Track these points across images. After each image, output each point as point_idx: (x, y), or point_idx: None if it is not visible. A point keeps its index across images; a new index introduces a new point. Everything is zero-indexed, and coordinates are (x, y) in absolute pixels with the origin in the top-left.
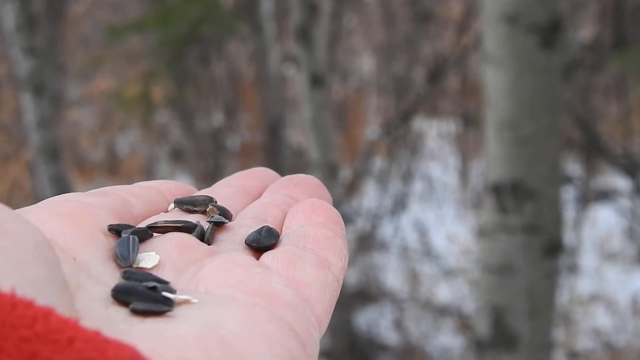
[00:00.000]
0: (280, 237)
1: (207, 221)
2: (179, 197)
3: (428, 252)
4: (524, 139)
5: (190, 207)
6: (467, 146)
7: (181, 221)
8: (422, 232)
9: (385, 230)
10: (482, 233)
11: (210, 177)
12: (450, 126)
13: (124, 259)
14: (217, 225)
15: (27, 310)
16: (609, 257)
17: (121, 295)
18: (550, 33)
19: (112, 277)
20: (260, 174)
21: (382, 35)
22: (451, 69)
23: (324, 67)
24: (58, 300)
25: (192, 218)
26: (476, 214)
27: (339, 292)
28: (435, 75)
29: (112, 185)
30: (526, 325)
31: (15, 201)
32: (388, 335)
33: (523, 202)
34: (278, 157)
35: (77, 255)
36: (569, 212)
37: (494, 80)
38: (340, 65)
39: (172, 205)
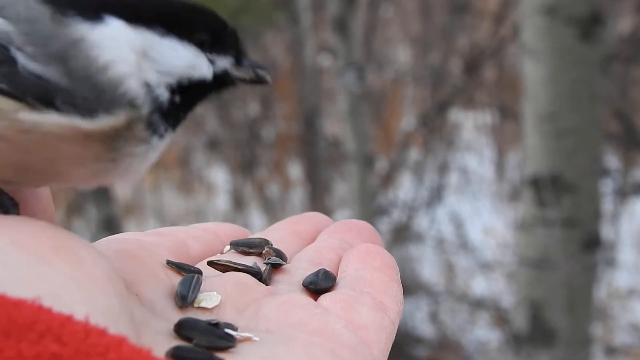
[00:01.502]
0: (336, 280)
1: (264, 263)
2: (235, 239)
3: (464, 244)
4: (563, 132)
5: (246, 249)
6: (503, 138)
7: (240, 263)
8: (458, 224)
9: (421, 222)
10: (520, 226)
11: (246, 167)
12: (486, 118)
13: (184, 299)
14: (274, 267)
15: (101, 339)
16: None
17: (184, 330)
18: (589, 25)
19: (174, 313)
20: (313, 218)
21: (418, 26)
22: (488, 61)
23: (361, 58)
24: (127, 331)
25: (249, 260)
26: (513, 206)
27: (394, 335)
28: (472, 66)
29: (147, 180)
30: (564, 319)
31: (52, 190)
32: (423, 328)
33: (562, 195)
34: (313, 148)
35: (138, 291)
36: (607, 206)
37: (533, 72)
38: (377, 56)
39: (228, 247)
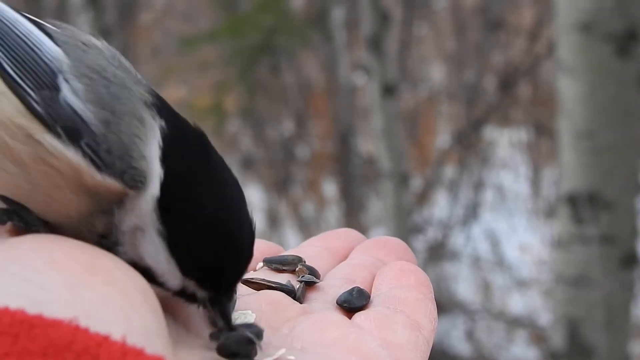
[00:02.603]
0: (370, 299)
1: (297, 280)
2: (268, 256)
3: (500, 262)
4: (600, 149)
5: (279, 266)
6: (538, 155)
7: (274, 281)
8: (494, 241)
9: (457, 239)
10: (556, 244)
11: (280, 185)
12: (521, 135)
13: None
14: (308, 285)
15: (137, 359)
16: None
17: (221, 349)
18: (626, 42)
19: (209, 331)
20: (345, 235)
21: (452, 43)
22: (523, 77)
23: (395, 76)
24: (164, 350)
25: (282, 277)
26: (549, 223)
27: (429, 353)
28: (507, 83)
29: None
30: (602, 337)
31: None
32: (460, 346)
33: (599, 212)
34: (348, 166)
35: (173, 309)
36: None
37: (569, 89)
38: (411, 73)
39: (261, 264)
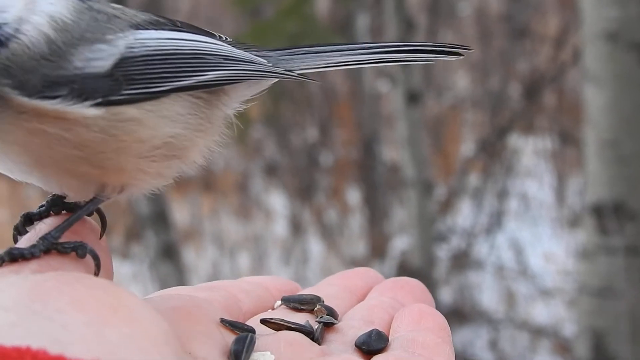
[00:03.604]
0: (389, 341)
1: (316, 321)
2: (286, 294)
3: (524, 271)
4: (626, 158)
5: (297, 306)
6: (563, 163)
7: (293, 322)
8: (518, 250)
9: (480, 248)
10: (581, 254)
11: (304, 192)
12: (546, 143)
13: (238, 358)
14: (327, 326)
15: None
16: None
17: None
18: None
19: None
20: (364, 274)
21: (477, 50)
22: (548, 85)
23: (420, 84)
24: None
25: (300, 317)
26: (573, 232)
27: None
28: (532, 91)
29: (206, 206)
30: (627, 349)
31: (109, 215)
32: (483, 355)
33: (625, 223)
34: (372, 174)
35: (193, 350)
36: None
37: (594, 98)
38: (435, 81)
39: (279, 302)
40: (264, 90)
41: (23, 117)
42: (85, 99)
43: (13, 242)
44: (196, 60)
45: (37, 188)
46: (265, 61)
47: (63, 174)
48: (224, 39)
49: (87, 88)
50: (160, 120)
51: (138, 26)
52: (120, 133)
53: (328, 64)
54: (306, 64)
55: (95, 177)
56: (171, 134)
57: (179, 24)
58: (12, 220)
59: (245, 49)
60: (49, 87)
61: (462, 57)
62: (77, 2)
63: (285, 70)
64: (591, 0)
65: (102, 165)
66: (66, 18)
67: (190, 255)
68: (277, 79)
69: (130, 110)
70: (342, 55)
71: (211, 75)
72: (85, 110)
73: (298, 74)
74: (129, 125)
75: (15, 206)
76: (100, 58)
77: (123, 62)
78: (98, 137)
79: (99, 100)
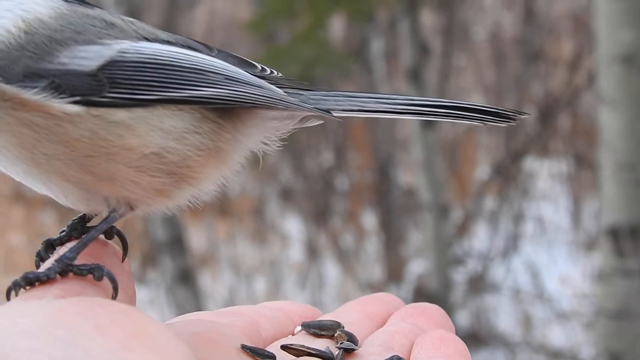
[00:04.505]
0: None
1: (336, 347)
2: (306, 320)
3: (540, 294)
4: None
5: (317, 331)
6: (579, 186)
7: (314, 348)
8: (534, 273)
9: (497, 271)
10: (598, 277)
11: (320, 216)
12: (561, 166)
13: None
14: (347, 352)
15: None
16: None
17: None
18: None
19: None
20: (384, 299)
21: (491, 74)
22: (562, 109)
23: None
24: None
25: (321, 343)
26: (589, 255)
27: None
28: (546, 114)
29: (222, 231)
30: None
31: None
32: None
33: None
34: (388, 197)
35: None
36: None
37: (610, 121)
38: None
39: (299, 327)
40: (298, 127)
41: (9, 105)
42: (65, 95)
43: (34, 268)
44: (193, 75)
45: (53, 213)
46: (281, 91)
47: (59, 178)
48: (269, 72)
49: (68, 84)
50: (151, 129)
51: (145, 38)
52: (108, 136)
53: (363, 108)
54: (340, 105)
55: (90, 185)
56: (162, 145)
57: (217, 51)
58: (28, 246)
59: (284, 86)
60: (29, 78)
61: (514, 124)
62: (65, 7)
63: (317, 108)
64: (606, 23)
65: (92, 171)
66: (48, 18)
67: (206, 280)
68: (320, 121)
69: (118, 114)
70: (378, 102)
71: (207, 91)
72: (65, 106)
73: (334, 115)
74: (117, 130)
75: (31, 231)
76: (88, 57)
77: (111, 65)
78: (85, 136)
79: (78, 98)
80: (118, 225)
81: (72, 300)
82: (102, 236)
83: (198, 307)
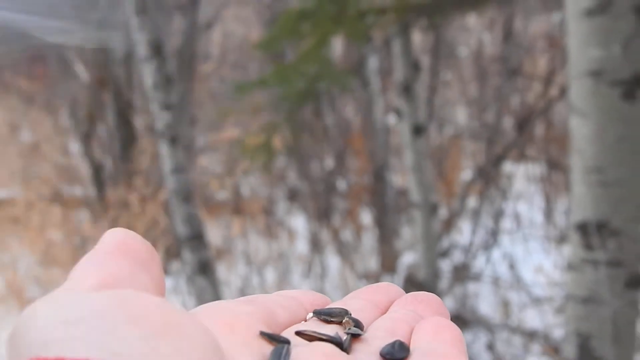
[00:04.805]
0: (410, 351)
1: (344, 332)
2: (317, 307)
3: (517, 282)
4: (608, 183)
5: (327, 318)
6: (551, 187)
7: (325, 334)
8: (512, 264)
9: (479, 262)
10: (568, 267)
11: (322, 215)
12: (536, 169)
13: None
14: (354, 337)
15: None
16: None
17: None
18: (632, 86)
19: None
20: (387, 289)
21: (474, 88)
22: (537, 118)
23: (424, 118)
24: None
25: (330, 329)
26: (560, 248)
27: None
28: (523, 123)
29: (236, 227)
30: (610, 350)
31: (152, 236)
32: (481, 357)
33: (607, 239)
34: (383, 198)
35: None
36: None
37: (579, 129)
38: (438, 115)
39: (311, 314)
40: None
41: None
42: None
43: (70, 261)
44: None
45: (87, 213)
46: None
47: None
48: None
49: None
50: None
51: None
52: None
53: None
54: None
55: None
56: None
57: None
58: (65, 241)
59: None
60: None
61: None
62: None
63: None
64: (576, 42)
65: None
66: None
67: (222, 271)
68: None
69: None
70: None
71: None
72: None
73: None
74: None
75: (68, 229)
76: None
77: None
78: None
79: None
80: (143, 222)
81: (107, 293)
82: (136, 234)
83: (215, 294)
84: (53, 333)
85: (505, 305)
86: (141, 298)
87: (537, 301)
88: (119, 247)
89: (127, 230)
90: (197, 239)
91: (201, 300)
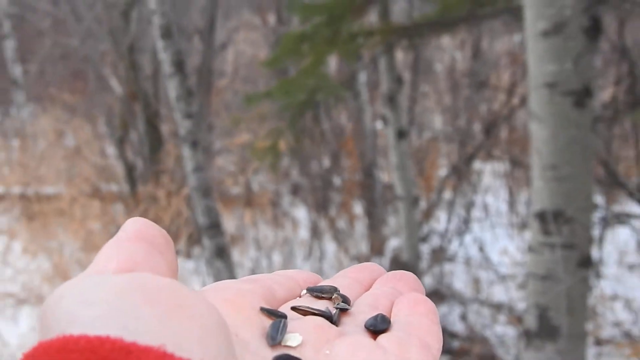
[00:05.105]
0: (391, 323)
1: (334, 307)
2: (310, 285)
3: (486, 262)
4: (562, 178)
5: (319, 294)
6: (514, 182)
7: (317, 309)
8: (481, 247)
9: (453, 246)
10: (529, 249)
11: (320, 206)
12: (501, 167)
13: (273, 339)
14: (342, 311)
15: None
16: (627, 266)
17: None
18: (581, 96)
19: (265, 350)
20: (370, 268)
21: (448, 98)
22: (502, 124)
23: (406, 124)
24: None
25: (321, 304)
26: (522, 233)
27: None
28: (489, 128)
29: (248, 217)
30: (565, 319)
31: (176, 225)
32: (456, 325)
33: (562, 225)
34: (372, 192)
35: (238, 333)
36: (596, 232)
37: (538, 132)
38: (418, 121)
39: (305, 291)
40: None
41: None
42: None
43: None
44: None
45: (121, 207)
46: None
47: None
48: None
49: None
50: None
51: None
52: None
53: None
54: None
55: None
56: None
57: None
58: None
59: None
60: None
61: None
62: None
63: None
64: (535, 58)
65: None
66: None
67: (236, 255)
68: None
69: None
70: None
71: None
72: None
73: None
74: None
75: (105, 220)
76: None
77: None
78: None
79: None
80: (169, 213)
81: (126, 276)
82: (153, 223)
83: (231, 275)
84: (77, 313)
85: (476, 282)
86: (156, 280)
87: (502, 278)
88: (137, 235)
89: (145, 219)
90: (214, 227)
91: (219, 279)
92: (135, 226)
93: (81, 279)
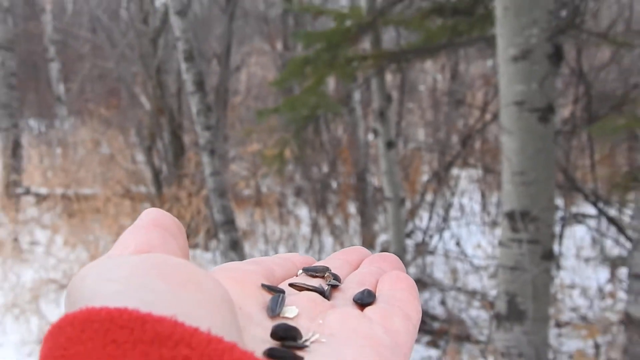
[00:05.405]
0: (376, 297)
1: (327, 284)
2: (305, 266)
3: (462, 255)
4: (529, 183)
5: (313, 273)
6: (486, 186)
7: (311, 285)
8: (458, 242)
9: (434, 240)
10: (500, 244)
11: (320, 206)
12: (475, 173)
13: (273, 311)
14: (333, 287)
15: (219, 345)
16: (583, 259)
17: (276, 334)
18: (546, 113)
19: (266, 321)
20: (358, 250)
21: (430, 114)
22: (476, 136)
23: (394, 136)
24: (236, 338)
25: (315, 282)
26: (493, 231)
27: (416, 336)
28: (465, 140)
29: (257, 215)
30: (530, 305)
31: (196, 222)
32: (436, 309)
33: (528, 224)
34: (364, 194)
35: (242, 306)
36: (557, 230)
37: (508, 144)
38: (404, 133)
39: (301, 271)
40: None
41: None
42: None
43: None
44: None
45: (149, 205)
46: None
47: None
48: None
49: None
50: None
51: None
52: None
53: None
54: None
55: None
56: None
57: None
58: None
59: None
60: None
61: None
62: None
63: None
64: (505, 80)
65: None
66: None
67: (248, 248)
68: None
69: None
70: None
71: None
72: None
73: None
74: None
75: (136, 218)
76: None
77: None
78: None
79: None
80: (190, 212)
81: (143, 256)
82: (167, 212)
83: None
84: (99, 288)
85: (453, 272)
86: (169, 259)
87: (476, 269)
88: (153, 222)
89: (160, 209)
90: (229, 224)
91: None
92: (151, 215)
93: (103, 260)
